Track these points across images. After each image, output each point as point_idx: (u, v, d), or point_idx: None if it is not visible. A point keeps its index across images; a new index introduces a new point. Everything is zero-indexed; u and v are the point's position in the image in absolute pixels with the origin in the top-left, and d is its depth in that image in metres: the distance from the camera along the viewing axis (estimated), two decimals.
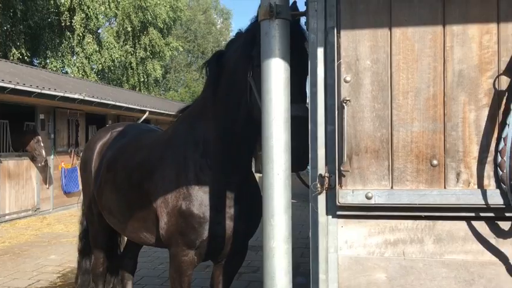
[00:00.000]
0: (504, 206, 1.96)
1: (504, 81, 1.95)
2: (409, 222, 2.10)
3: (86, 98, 12.98)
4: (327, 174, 2.11)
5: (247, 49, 2.71)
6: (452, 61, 1.99)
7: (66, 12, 25.02)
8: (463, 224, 2.06)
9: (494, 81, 1.96)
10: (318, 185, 2.12)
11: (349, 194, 2.06)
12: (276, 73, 2.14)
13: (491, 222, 2.04)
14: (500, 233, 2.04)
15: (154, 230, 3.32)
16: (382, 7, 2.02)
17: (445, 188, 2.01)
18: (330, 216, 2.15)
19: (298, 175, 2.62)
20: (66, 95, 12.16)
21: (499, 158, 1.94)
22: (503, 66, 1.95)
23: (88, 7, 25.61)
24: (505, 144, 1.89)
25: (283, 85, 2.15)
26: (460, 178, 2.01)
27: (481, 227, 2.05)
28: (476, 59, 1.97)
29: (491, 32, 1.96)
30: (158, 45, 31.47)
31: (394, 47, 2.03)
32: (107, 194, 3.87)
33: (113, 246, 4.68)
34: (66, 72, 26.35)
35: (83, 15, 25.71)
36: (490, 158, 1.98)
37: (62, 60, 26.59)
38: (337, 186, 2.08)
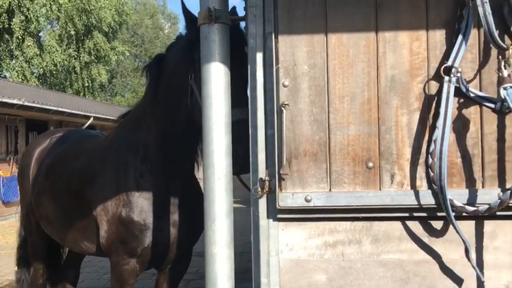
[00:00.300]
0: (436, 206, 2.04)
1: (433, 86, 2.04)
2: (348, 223, 2.15)
3: (26, 104, 12.46)
4: (267, 178, 2.12)
5: (187, 52, 2.70)
6: (385, 66, 2.06)
7: (4, 14, 23.94)
8: (398, 224, 2.13)
9: (425, 86, 2.05)
10: (259, 188, 2.13)
11: (289, 197, 2.09)
12: (216, 77, 2.14)
13: (424, 222, 2.12)
14: (433, 232, 2.12)
15: (94, 238, 3.22)
16: (318, 13, 2.07)
17: (380, 189, 2.08)
18: (271, 220, 2.16)
19: (239, 178, 2.63)
20: (4, 100, 11.63)
21: (430, 160, 2.02)
22: (432, 72, 2.04)
23: (28, 9, 24.64)
24: (435, 147, 1.97)
25: (223, 89, 2.15)
26: (394, 180, 2.07)
27: (415, 226, 2.12)
28: (407, 65, 2.05)
29: (421, 39, 2.05)
30: (103, 50, 30.69)
31: (330, 53, 2.07)
32: (45, 203, 3.72)
33: (54, 256, 4.51)
34: (5, 77, 25.18)
35: (23, 17, 24.70)
36: (422, 159, 2.06)
37: (0, 64, 25.39)
38: (277, 189, 2.10)
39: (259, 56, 2.12)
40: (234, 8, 2.69)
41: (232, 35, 2.28)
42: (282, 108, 2.07)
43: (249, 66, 2.17)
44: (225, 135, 2.17)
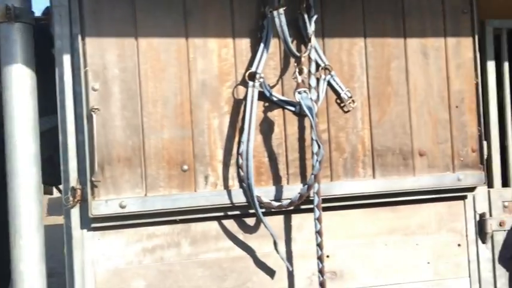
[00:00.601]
0: (247, 204, 2.15)
1: (241, 91, 2.16)
2: (166, 227, 2.15)
3: None
4: (78, 186, 2.03)
5: None
6: (196, 71, 2.12)
7: None
8: (215, 224, 2.20)
9: (233, 90, 2.16)
10: (70, 198, 2.03)
11: (103, 204, 2.02)
12: (18, 80, 2.00)
13: (239, 220, 2.23)
14: (247, 229, 2.24)
15: None
16: (127, 16, 2.05)
17: (195, 191, 2.13)
18: (85, 230, 2.07)
19: (59, 189, 2.47)
20: None
21: (240, 160, 2.13)
22: (239, 77, 2.16)
23: None
24: (243, 147, 2.09)
25: (27, 93, 2.03)
26: (208, 181, 2.14)
27: (231, 224, 2.22)
28: (216, 70, 2.15)
29: (229, 46, 2.16)
30: None
31: (141, 57, 2.07)
32: None
33: None
34: None
35: None
36: (233, 160, 2.16)
37: None
38: (89, 197, 2.01)
39: (66, 58, 2.03)
40: (47, 8, 2.54)
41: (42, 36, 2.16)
42: (92, 112, 2.00)
43: (56, 69, 2.06)
44: (32, 142, 2.04)
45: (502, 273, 2.46)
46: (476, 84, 2.40)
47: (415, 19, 2.35)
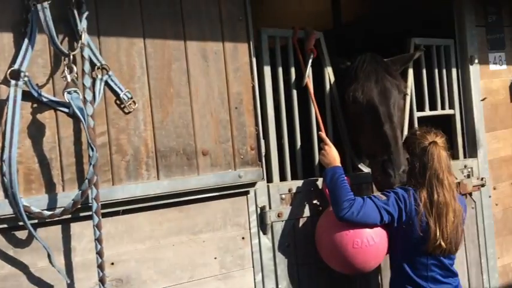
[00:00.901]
0: (15, 215, 1.94)
1: (4, 91, 1.94)
2: None
3: None
4: None
5: None
6: None
7: None
8: None
9: None
10: None
11: None
12: None
13: (7, 233, 2.00)
14: (19, 243, 2.03)
15: None
16: None
17: None
18: None
19: None
20: None
21: (4, 168, 1.91)
22: (2, 76, 1.94)
23: None
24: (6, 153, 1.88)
25: None
26: None
27: None
28: None
29: None
30: None
31: None
32: None
33: None
34: None
35: None
36: None
37: None
38: None
39: None
40: None
41: None
42: None
43: None
44: None
45: (281, 260, 2.68)
46: (253, 86, 2.58)
47: (194, 23, 2.41)
